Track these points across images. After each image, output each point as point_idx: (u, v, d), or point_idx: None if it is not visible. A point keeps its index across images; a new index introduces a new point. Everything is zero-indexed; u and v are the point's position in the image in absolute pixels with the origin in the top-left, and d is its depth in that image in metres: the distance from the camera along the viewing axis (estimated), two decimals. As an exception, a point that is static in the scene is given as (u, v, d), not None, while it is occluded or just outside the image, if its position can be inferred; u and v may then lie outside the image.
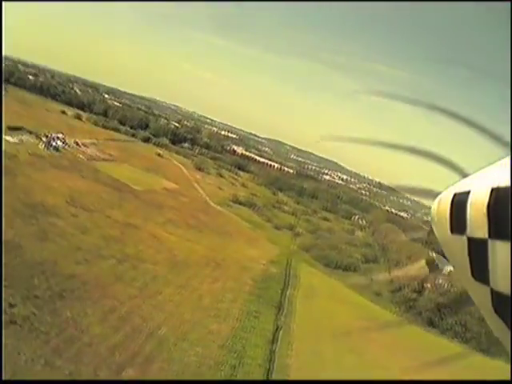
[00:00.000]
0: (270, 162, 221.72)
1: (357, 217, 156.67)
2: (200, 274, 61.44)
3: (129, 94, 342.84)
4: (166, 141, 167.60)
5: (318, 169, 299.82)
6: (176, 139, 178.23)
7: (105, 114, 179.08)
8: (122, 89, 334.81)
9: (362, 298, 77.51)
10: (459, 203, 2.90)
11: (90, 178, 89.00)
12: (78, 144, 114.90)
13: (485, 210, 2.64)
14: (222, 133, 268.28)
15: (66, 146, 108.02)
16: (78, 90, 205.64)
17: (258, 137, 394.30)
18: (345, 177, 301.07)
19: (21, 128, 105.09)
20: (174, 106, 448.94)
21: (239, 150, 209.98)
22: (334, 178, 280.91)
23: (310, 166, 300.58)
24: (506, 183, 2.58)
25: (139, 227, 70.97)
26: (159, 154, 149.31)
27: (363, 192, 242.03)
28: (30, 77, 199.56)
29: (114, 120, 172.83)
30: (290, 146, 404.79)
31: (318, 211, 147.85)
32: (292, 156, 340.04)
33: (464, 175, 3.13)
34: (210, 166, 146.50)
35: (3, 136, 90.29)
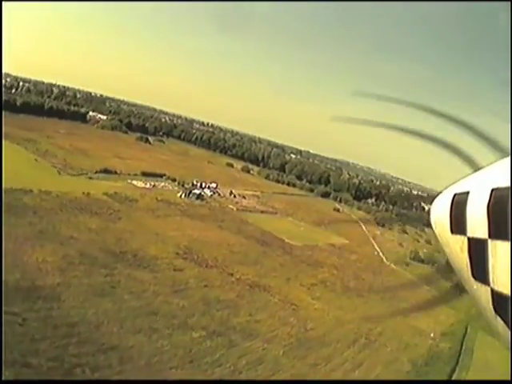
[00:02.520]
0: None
1: None
2: (337, 357, 40.71)
3: (314, 154, 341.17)
4: (347, 196, 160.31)
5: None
6: (360, 195, 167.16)
7: (282, 168, 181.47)
8: (303, 148, 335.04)
9: None
10: (459, 203, 3.36)
11: (231, 229, 78.08)
12: (233, 195, 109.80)
13: (485, 210, 3.04)
14: (414, 192, 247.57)
15: (216, 195, 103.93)
16: (254, 147, 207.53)
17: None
18: None
19: (162, 175, 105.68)
20: (367, 168, 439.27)
21: (428, 207, 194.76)
22: None
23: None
24: (505, 183, 2.95)
25: (271, 289, 52.32)
26: (337, 210, 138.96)
27: None
28: (197, 132, 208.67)
29: (291, 175, 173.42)
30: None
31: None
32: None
33: (476, 168, 3.64)
34: (393, 222, 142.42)
35: (131, 181, 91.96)
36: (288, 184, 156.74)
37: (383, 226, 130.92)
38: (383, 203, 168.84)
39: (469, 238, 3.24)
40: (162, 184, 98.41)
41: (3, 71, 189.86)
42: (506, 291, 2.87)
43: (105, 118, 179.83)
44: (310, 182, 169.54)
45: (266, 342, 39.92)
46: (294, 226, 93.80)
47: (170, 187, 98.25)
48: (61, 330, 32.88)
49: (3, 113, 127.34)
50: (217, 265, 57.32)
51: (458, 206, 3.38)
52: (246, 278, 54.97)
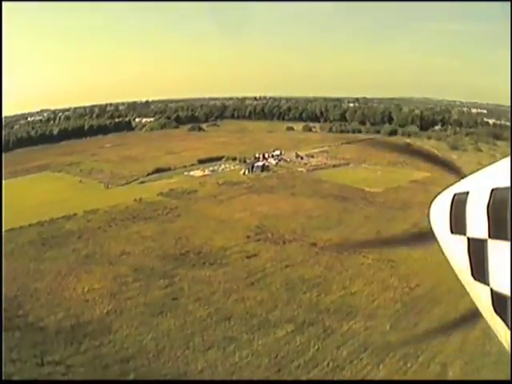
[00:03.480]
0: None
1: None
2: (452, 313, 30.19)
3: (370, 98, 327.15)
4: (414, 128, 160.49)
5: None
6: (425, 124, 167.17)
7: (343, 118, 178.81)
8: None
9: None
10: (459, 203, 3.41)
11: (304, 193, 70.96)
12: (299, 157, 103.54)
13: (485, 211, 3.07)
14: (473, 111, 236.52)
15: (282, 162, 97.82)
16: (310, 105, 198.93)
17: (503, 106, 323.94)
18: None
19: (221, 158, 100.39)
20: (423, 98, 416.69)
21: (491, 121, 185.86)
22: None
23: None
24: (505, 183, 2.98)
25: (362, 250, 43.32)
26: (408, 144, 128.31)
27: None
28: (249, 106, 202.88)
29: (353, 122, 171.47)
30: None
31: None
32: None
33: (462, 176, 3.90)
34: (466, 143, 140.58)
35: (188, 173, 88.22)
36: (353, 132, 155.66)
37: (457, 149, 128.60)
38: (450, 127, 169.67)
39: (468, 238, 3.30)
40: (222, 166, 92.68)
41: (40, 108, 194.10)
42: (506, 291, 2.90)
43: (151, 119, 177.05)
44: (373, 124, 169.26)
45: (368, 318, 32.16)
46: (371, 172, 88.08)
47: (231, 167, 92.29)
48: (113, 369, 27.26)
49: (40, 146, 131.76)
50: (295, 237, 49.91)
51: (458, 206, 3.44)
52: (331, 244, 47.20)
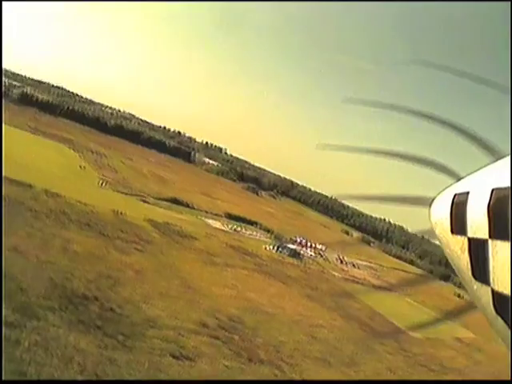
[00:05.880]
0: None
1: None
2: None
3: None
4: None
5: None
6: None
7: (406, 245, 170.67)
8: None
9: None
10: (459, 204, 3.40)
11: (324, 302, 52.44)
12: (341, 261, 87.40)
13: (485, 211, 3.08)
14: None
15: (319, 258, 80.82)
16: (377, 221, 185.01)
17: None
18: None
19: (254, 223, 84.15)
20: None
21: None
22: None
23: None
24: (505, 183, 2.98)
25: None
26: (458, 295, 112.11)
27: None
28: (315, 195, 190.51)
29: (412, 253, 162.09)
30: None
31: None
32: None
33: (458, 179, 3.78)
34: None
35: (204, 219, 72.45)
36: (410, 262, 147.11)
37: None
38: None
39: (469, 238, 3.28)
40: (249, 232, 75.42)
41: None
42: (507, 291, 2.91)
43: (214, 163, 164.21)
44: (430, 262, 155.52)
45: None
46: (414, 310, 71.84)
47: (258, 237, 74.81)
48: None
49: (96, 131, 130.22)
50: (273, 360, 30.37)
51: (459, 206, 3.41)
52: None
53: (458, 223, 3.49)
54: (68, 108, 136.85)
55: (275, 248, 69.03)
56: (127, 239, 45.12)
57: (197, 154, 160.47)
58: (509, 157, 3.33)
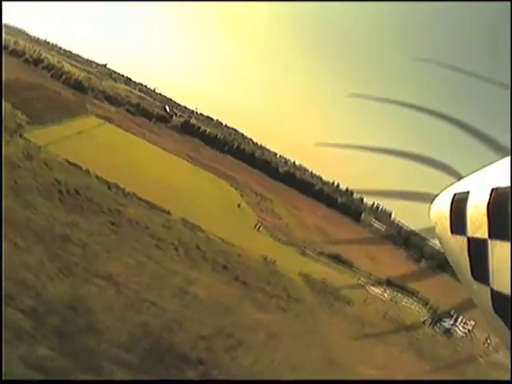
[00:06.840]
0: None
1: None
2: None
3: None
4: None
5: None
6: None
7: None
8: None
9: None
10: (459, 203, 3.43)
11: None
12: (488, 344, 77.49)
13: (485, 210, 3.09)
14: None
15: (466, 337, 71.05)
16: None
17: None
18: None
19: (415, 293, 77.22)
20: None
21: None
22: None
23: None
24: (505, 183, 3.00)
25: None
26: None
27: None
28: None
29: None
30: None
31: None
32: None
33: (459, 178, 3.84)
34: None
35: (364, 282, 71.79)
36: None
37: None
38: None
39: (469, 238, 3.28)
40: (406, 301, 73.32)
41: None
42: (506, 291, 2.89)
43: (381, 227, 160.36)
44: None
45: None
46: None
47: (414, 307, 72.81)
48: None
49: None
50: None
51: (458, 206, 3.41)
52: None
53: (458, 223, 3.55)
54: (237, 147, 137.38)
55: (431, 323, 65.76)
56: (272, 293, 41.59)
57: (364, 214, 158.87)
58: (509, 157, 3.37)
